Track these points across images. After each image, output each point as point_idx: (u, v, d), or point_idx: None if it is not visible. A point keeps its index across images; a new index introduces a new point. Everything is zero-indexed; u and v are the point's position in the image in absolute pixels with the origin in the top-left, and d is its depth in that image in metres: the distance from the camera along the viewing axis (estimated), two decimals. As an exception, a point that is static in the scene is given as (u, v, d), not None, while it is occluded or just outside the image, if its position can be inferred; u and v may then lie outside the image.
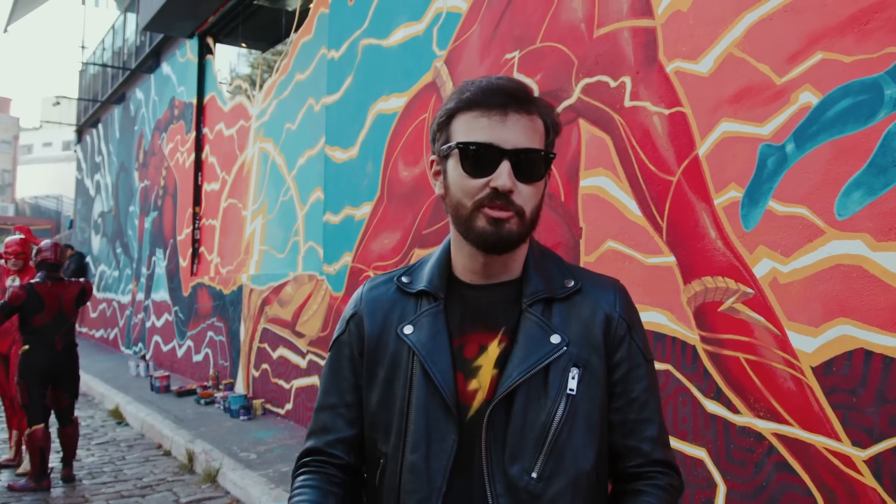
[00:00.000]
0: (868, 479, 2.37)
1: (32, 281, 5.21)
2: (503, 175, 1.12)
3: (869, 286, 2.39)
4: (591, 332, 1.20)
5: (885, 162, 2.35)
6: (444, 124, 1.20)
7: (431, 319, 1.21)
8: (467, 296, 1.23)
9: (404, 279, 1.28)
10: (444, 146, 1.19)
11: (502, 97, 1.14)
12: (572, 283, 1.23)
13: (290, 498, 1.25)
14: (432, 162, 1.25)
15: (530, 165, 1.15)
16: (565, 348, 1.17)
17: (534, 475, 1.13)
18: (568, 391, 1.15)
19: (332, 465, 1.27)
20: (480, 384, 1.17)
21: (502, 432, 1.15)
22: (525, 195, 1.14)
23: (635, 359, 1.22)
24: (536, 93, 1.20)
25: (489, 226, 1.14)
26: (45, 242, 5.45)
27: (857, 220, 2.43)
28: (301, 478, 1.27)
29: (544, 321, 1.18)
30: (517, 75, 3.95)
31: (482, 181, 1.13)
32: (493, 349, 1.19)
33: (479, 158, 1.13)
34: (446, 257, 1.27)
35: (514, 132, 1.14)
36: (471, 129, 1.15)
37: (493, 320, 1.21)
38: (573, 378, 1.16)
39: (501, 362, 1.17)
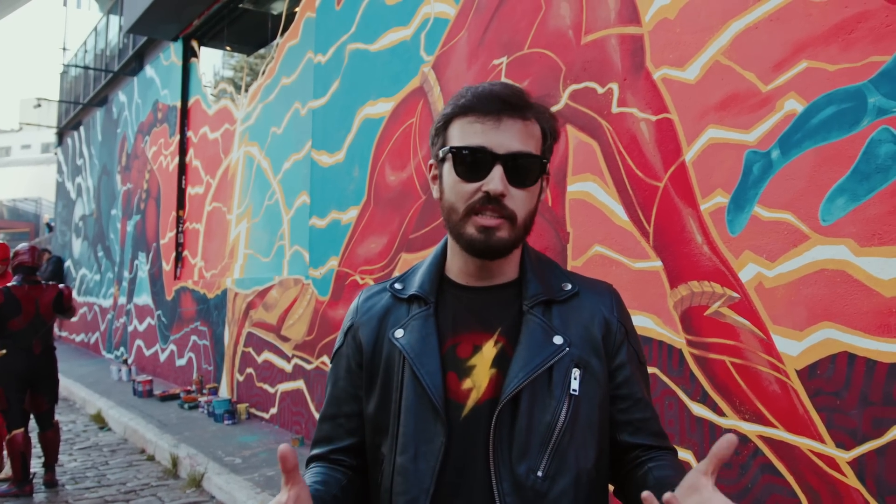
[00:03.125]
0: (851, 481, 2.41)
1: (9, 284, 5.17)
2: (495, 179, 1.13)
3: (852, 290, 2.43)
4: (591, 334, 1.22)
5: (868, 169, 2.40)
6: (442, 129, 1.21)
7: (421, 322, 1.22)
8: (462, 297, 1.24)
9: (397, 286, 1.30)
10: (440, 150, 1.20)
11: (497, 103, 1.15)
12: (570, 286, 1.25)
13: None
14: (431, 166, 1.26)
15: (523, 170, 1.16)
16: (567, 349, 1.18)
17: (539, 474, 1.14)
18: (571, 392, 1.17)
19: (340, 468, 1.30)
20: (475, 383, 1.18)
21: (508, 432, 1.16)
22: (518, 200, 1.15)
23: (634, 361, 1.26)
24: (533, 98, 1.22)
25: (479, 233, 1.15)
26: (22, 245, 5.42)
27: (841, 225, 2.47)
28: (309, 468, 1.30)
29: (546, 323, 1.20)
30: (504, 81, 3.98)
31: (475, 185, 1.14)
32: (489, 349, 1.20)
33: (471, 162, 1.15)
34: (440, 261, 1.29)
35: (508, 137, 1.14)
36: (465, 133, 1.16)
37: (487, 321, 1.22)
38: (575, 379, 1.18)
39: (499, 362, 1.19)
